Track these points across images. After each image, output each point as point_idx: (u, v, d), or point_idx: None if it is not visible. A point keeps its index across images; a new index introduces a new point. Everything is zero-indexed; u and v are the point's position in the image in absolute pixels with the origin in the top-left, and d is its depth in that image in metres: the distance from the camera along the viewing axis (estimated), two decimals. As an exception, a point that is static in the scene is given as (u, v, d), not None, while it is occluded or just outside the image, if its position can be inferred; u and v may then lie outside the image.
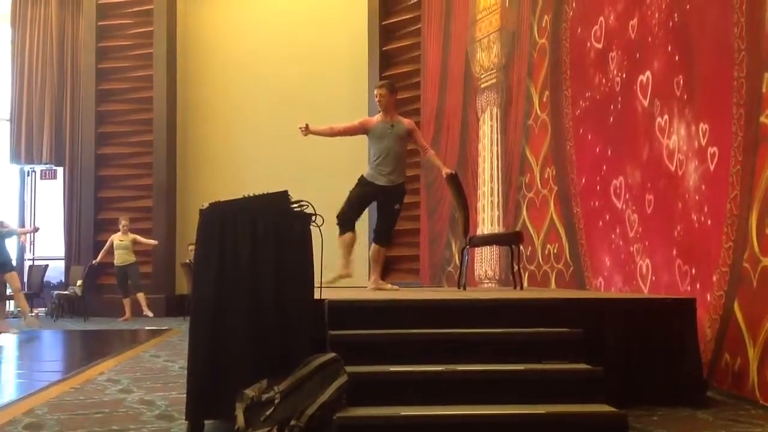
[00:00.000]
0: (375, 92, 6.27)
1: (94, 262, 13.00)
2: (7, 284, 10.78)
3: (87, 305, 12.77)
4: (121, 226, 12.70)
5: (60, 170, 14.27)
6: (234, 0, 14.28)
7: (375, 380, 3.80)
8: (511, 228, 8.81)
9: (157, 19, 13.71)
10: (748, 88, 4.82)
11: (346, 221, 6.08)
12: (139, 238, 12.76)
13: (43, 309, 13.60)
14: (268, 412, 3.54)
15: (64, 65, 14.26)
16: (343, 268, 6.13)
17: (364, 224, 9.77)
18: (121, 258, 12.59)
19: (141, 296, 12.63)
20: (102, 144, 13.94)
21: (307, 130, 6.14)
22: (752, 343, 4.68)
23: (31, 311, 12.67)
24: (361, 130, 6.25)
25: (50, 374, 6.51)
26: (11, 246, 11.84)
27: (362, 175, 6.21)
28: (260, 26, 14.14)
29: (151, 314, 12.47)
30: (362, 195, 6.17)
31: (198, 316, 3.93)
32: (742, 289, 4.80)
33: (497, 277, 9.45)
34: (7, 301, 11.77)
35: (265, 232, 3.94)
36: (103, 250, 12.77)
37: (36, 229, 12.46)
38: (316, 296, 4.07)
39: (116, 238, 12.67)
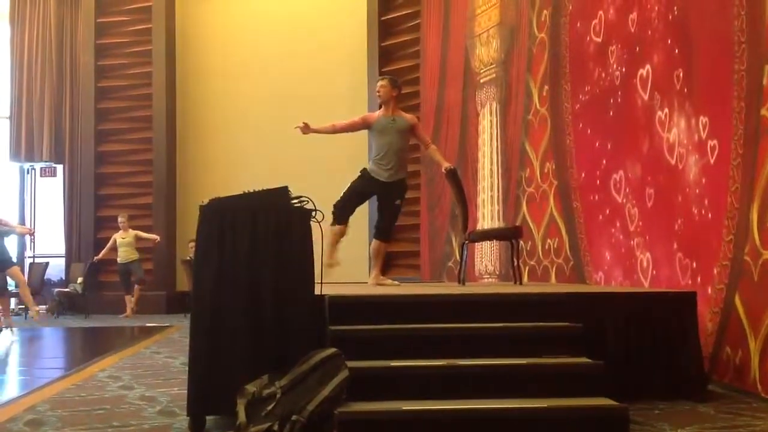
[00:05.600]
0: (377, 85, 6.24)
1: (95, 259, 13.02)
2: (13, 281, 10.84)
3: (88, 302, 12.77)
4: (119, 223, 12.72)
5: (60, 168, 14.26)
6: (233, -4, 14.29)
7: (376, 375, 3.81)
8: (511, 223, 8.81)
9: (155, 15, 13.69)
10: (748, 81, 4.81)
11: (342, 213, 6.05)
12: (140, 233, 12.78)
13: (44, 306, 13.61)
14: (269, 408, 3.54)
15: (63, 62, 14.24)
16: (327, 258, 6.07)
17: (365, 221, 9.79)
18: (123, 255, 12.63)
19: (137, 289, 12.66)
20: (101, 141, 13.94)
21: (307, 129, 6.12)
22: (753, 337, 4.68)
23: (18, 311, 12.59)
24: (364, 125, 6.23)
25: (51, 371, 6.52)
26: (11, 244, 11.85)
27: (365, 168, 6.18)
28: (259, 22, 14.13)
29: (134, 308, 12.49)
30: (362, 189, 6.16)
31: (199, 313, 3.93)
32: (743, 283, 4.80)
33: (497, 272, 9.45)
34: (11, 298, 11.80)
35: (265, 228, 3.94)
36: (105, 248, 12.78)
37: (31, 232, 12.50)
38: (317, 292, 4.07)
39: (118, 236, 12.70)
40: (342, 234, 6.11)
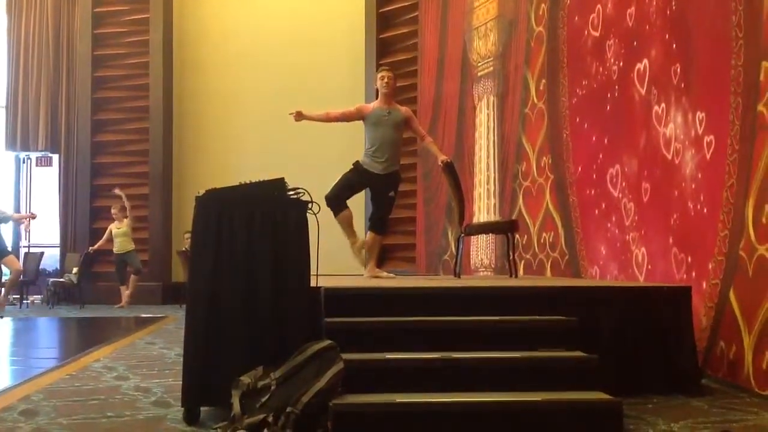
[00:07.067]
0: (383, 75, 6.13)
1: (90, 249, 12.99)
2: (8, 270, 10.85)
3: (83, 293, 12.76)
4: (113, 214, 12.68)
5: (56, 157, 14.21)
6: (230, -13, 14.25)
7: (371, 367, 3.81)
8: (507, 216, 8.81)
9: (153, 5, 13.64)
10: (745, 77, 4.82)
11: (338, 202, 6.01)
12: (128, 219, 12.70)
13: (39, 296, 13.60)
14: (263, 399, 3.55)
15: (59, 52, 14.18)
16: (353, 245, 6.14)
17: (359, 214, 9.78)
18: (120, 245, 12.60)
19: (133, 280, 12.62)
20: (98, 131, 13.89)
21: (300, 116, 6.11)
22: (747, 332, 4.70)
23: (13, 302, 12.43)
24: (358, 116, 6.21)
25: (46, 361, 6.51)
26: (7, 232, 11.82)
27: (358, 161, 6.15)
28: (257, 14, 14.08)
29: (129, 299, 12.47)
30: (355, 181, 6.12)
31: (194, 304, 3.93)
32: (737, 278, 4.81)
33: (493, 266, 9.46)
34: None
35: (261, 220, 3.94)
36: (102, 239, 12.76)
37: (33, 216, 12.44)
38: (313, 284, 4.07)
39: (114, 227, 12.68)
40: (351, 216, 6.11)
